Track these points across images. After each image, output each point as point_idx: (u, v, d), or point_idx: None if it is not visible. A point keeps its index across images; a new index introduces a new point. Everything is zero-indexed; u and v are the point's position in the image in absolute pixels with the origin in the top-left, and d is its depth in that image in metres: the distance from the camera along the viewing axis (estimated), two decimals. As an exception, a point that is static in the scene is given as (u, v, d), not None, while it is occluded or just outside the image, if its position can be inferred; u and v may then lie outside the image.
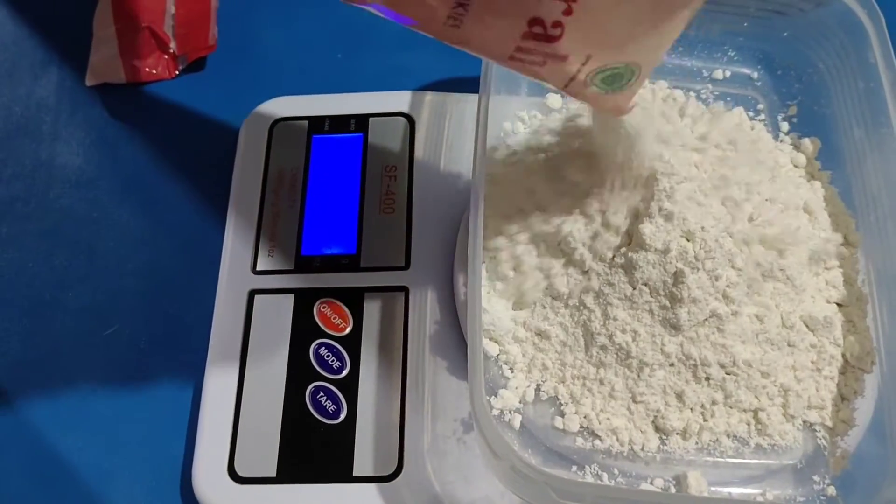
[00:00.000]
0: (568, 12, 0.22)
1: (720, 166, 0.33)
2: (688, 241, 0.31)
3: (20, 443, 0.37)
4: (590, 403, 0.32)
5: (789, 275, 0.33)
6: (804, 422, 0.32)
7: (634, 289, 0.32)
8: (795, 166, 0.38)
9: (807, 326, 0.33)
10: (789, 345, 0.32)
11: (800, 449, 0.32)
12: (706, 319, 0.31)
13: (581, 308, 0.33)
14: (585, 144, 0.34)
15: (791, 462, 0.32)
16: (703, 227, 0.31)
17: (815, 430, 0.32)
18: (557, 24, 0.23)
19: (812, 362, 0.33)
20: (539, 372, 0.33)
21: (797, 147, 0.38)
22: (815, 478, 0.31)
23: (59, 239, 0.42)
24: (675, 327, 0.31)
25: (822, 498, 0.31)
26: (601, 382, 0.33)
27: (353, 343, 0.37)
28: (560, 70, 0.25)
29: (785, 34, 0.39)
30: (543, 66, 0.24)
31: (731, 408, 0.32)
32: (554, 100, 0.40)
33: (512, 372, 0.33)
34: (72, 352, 0.39)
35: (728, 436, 0.32)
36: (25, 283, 0.41)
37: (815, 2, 0.38)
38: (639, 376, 0.32)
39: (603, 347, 0.32)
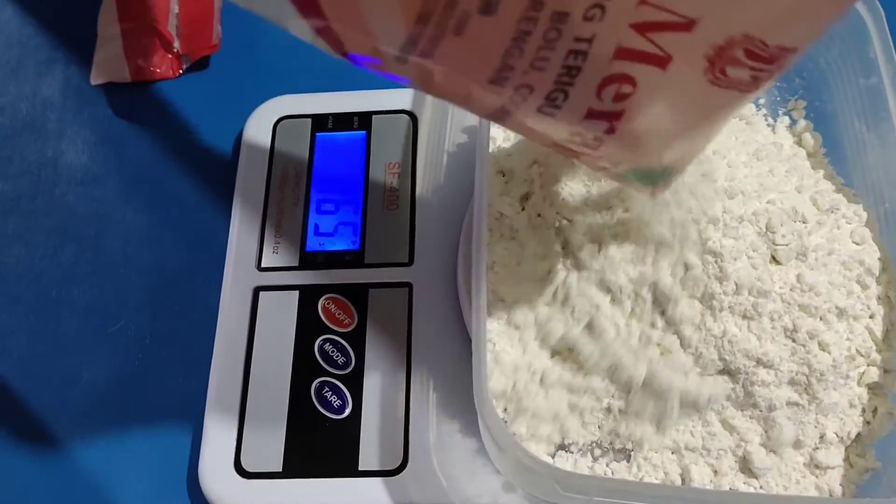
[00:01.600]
0: (610, 131, 0.23)
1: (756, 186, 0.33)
2: (712, 258, 0.30)
3: (25, 439, 0.38)
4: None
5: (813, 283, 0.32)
6: (814, 414, 0.32)
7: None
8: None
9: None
10: (803, 345, 0.32)
11: (805, 443, 0.32)
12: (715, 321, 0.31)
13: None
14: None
15: (796, 455, 0.32)
16: (739, 258, 0.30)
17: (824, 425, 0.32)
18: (598, 140, 0.23)
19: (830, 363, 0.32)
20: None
21: (798, 142, 0.39)
22: (823, 470, 0.31)
23: (65, 236, 0.43)
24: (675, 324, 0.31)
25: (827, 493, 0.31)
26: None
27: (357, 339, 0.37)
28: (592, 163, 0.26)
29: (785, 30, 0.39)
30: (579, 157, 0.25)
31: (738, 403, 0.32)
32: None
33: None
34: (78, 348, 0.40)
35: (733, 431, 0.32)
36: (31, 279, 0.42)
37: (816, -2, 0.37)
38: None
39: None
